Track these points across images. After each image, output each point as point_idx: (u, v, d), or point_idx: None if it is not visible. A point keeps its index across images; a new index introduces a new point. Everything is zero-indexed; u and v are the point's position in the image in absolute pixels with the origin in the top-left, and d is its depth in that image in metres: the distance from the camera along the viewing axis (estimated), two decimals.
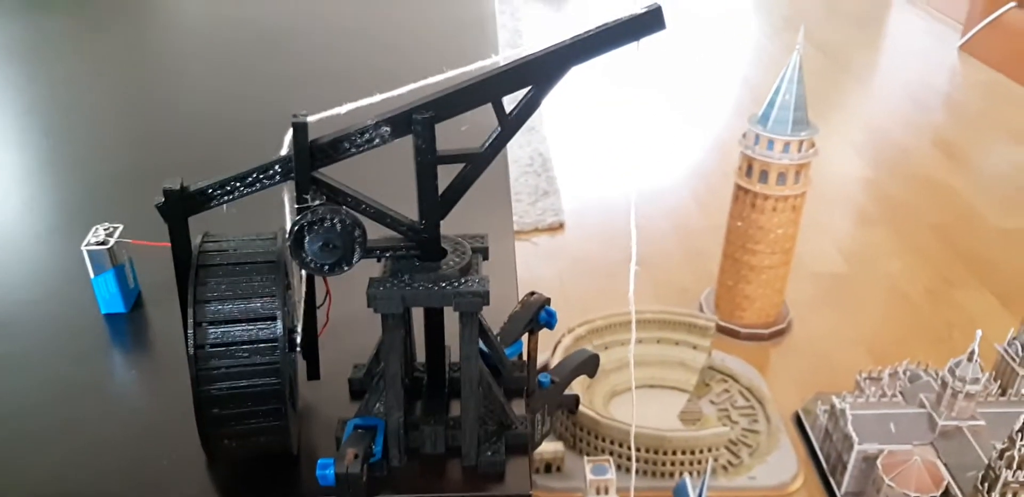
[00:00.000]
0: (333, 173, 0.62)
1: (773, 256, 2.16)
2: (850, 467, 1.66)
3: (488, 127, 0.62)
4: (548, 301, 0.84)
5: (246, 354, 0.57)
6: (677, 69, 4.22)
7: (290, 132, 0.59)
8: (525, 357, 0.84)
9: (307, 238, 0.58)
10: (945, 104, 4.28)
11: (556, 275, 2.69)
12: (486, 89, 0.60)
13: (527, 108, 0.62)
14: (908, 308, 2.49)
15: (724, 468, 1.79)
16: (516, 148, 3.34)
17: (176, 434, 0.71)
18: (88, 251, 0.84)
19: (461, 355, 0.66)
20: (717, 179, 3.18)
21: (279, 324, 0.58)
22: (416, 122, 0.60)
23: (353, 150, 0.61)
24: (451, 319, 0.70)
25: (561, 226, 2.93)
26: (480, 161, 0.63)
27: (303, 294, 0.66)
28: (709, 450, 1.72)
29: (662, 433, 1.71)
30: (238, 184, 0.60)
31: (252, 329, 0.58)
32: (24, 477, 0.68)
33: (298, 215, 0.59)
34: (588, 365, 0.95)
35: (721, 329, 2.21)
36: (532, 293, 0.84)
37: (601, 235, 2.86)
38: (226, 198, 0.60)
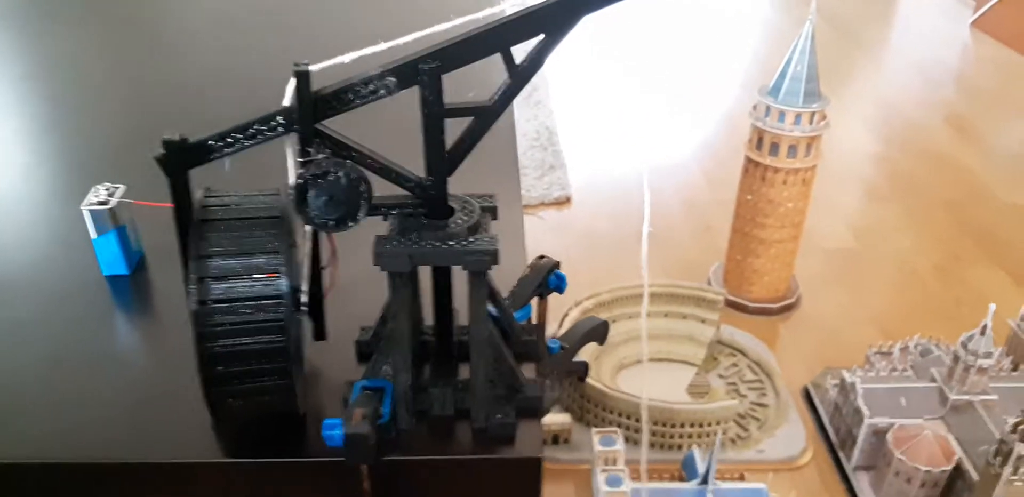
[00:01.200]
0: (336, 127, 0.60)
1: (783, 230, 2.14)
2: (860, 441, 1.65)
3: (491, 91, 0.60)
4: (558, 265, 0.82)
5: (250, 310, 0.56)
6: (684, 42, 4.17)
7: (292, 81, 0.57)
8: (535, 321, 0.82)
9: (311, 192, 0.57)
10: (956, 80, 4.22)
11: (563, 249, 2.67)
12: (495, 38, 0.58)
13: (537, 58, 0.59)
14: (918, 284, 2.46)
15: (732, 441, 1.78)
16: (523, 122, 3.30)
17: (181, 396, 0.70)
18: (89, 211, 0.83)
19: (470, 316, 0.64)
20: (726, 153, 3.15)
21: (283, 280, 0.57)
22: (422, 72, 0.58)
23: (358, 101, 0.59)
24: (459, 282, 0.68)
25: (568, 200, 2.91)
26: (489, 114, 0.61)
27: (308, 254, 0.64)
28: (717, 423, 1.71)
29: (670, 406, 1.71)
30: (239, 136, 0.58)
31: (256, 285, 0.56)
32: (28, 442, 0.66)
33: (301, 168, 0.57)
34: (597, 332, 0.94)
35: (729, 303, 2.19)
36: (542, 257, 0.83)
37: (608, 210, 2.84)
38: (227, 150, 0.58)
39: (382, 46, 0.57)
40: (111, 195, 0.84)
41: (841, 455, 1.75)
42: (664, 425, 1.71)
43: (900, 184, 3.05)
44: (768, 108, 1.99)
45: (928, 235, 2.71)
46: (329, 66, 0.58)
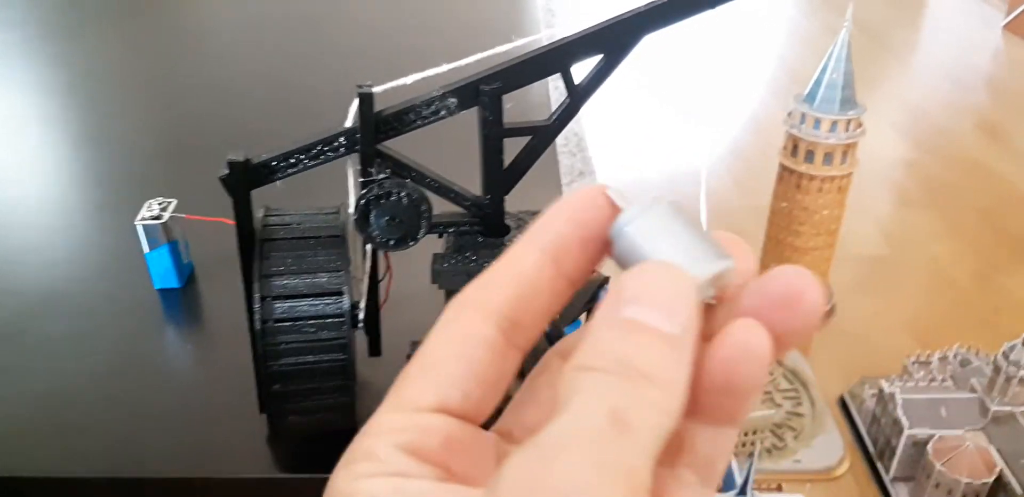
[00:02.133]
0: (393, 146, 0.61)
1: (818, 237, 2.12)
2: (899, 452, 1.63)
3: (531, 105, 0.60)
4: (607, 280, 0.82)
5: (313, 329, 0.56)
6: (712, 48, 4.16)
7: (355, 103, 0.57)
8: None
9: (373, 212, 0.57)
10: (988, 85, 4.18)
11: None
12: (556, 58, 0.58)
13: (598, 78, 0.60)
14: (953, 292, 2.44)
15: (768, 451, 1.77)
16: None
17: (235, 410, 0.70)
18: (142, 226, 0.84)
19: None
20: (756, 159, 3.13)
21: (346, 299, 0.57)
22: (483, 93, 0.58)
23: (419, 122, 0.59)
24: None
25: None
26: (547, 133, 0.61)
27: (364, 269, 0.65)
28: (754, 433, 1.70)
29: None
30: (302, 156, 0.58)
31: (319, 304, 0.57)
32: (80, 454, 0.67)
33: (363, 189, 0.58)
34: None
35: None
36: (593, 270, 0.83)
37: None
38: (290, 171, 0.59)
39: (444, 67, 0.58)
40: (163, 209, 0.85)
41: (879, 466, 1.74)
42: None
43: (932, 190, 3.02)
44: (803, 115, 1.99)
45: (963, 242, 2.68)
46: (387, 86, 0.58)
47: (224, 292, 0.87)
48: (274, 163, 0.59)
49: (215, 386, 0.75)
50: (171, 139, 1.20)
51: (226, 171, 0.58)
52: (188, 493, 0.65)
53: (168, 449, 0.68)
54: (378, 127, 0.58)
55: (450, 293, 0.62)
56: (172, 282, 0.87)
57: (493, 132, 0.60)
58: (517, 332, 0.26)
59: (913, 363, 1.86)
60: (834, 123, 1.94)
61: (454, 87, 0.58)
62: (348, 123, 0.58)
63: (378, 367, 0.74)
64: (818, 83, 1.98)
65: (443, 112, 0.59)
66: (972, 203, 2.97)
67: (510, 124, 0.60)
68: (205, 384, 0.75)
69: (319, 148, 0.58)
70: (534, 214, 0.69)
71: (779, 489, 1.58)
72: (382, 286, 0.69)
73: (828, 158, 1.98)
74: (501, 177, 0.62)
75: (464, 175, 0.65)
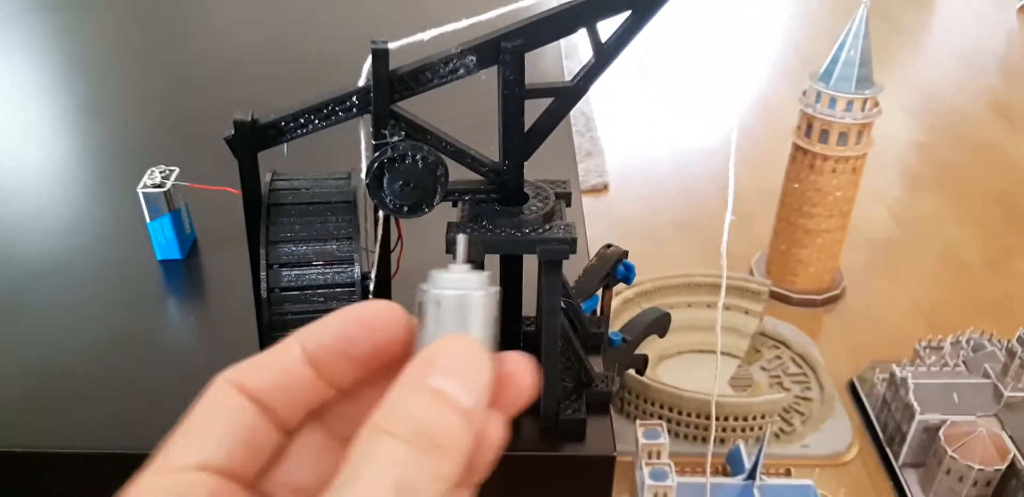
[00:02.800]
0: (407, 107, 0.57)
1: (830, 220, 2.09)
2: (910, 437, 1.61)
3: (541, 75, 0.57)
4: (626, 254, 0.79)
5: (321, 299, 0.54)
6: (719, 27, 4.10)
7: (368, 60, 0.54)
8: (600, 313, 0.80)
9: (386, 176, 0.54)
10: (1002, 68, 4.12)
11: (600, 237, 2.64)
12: (582, 13, 0.55)
13: (625, 36, 0.56)
14: (966, 277, 2.41)
15: (776, 436, 1.74)
16: None
17: None
18: (144, 194, 0.81)
19: (543, 308, 0.61)
20: (764, 140, 3.09)
21: (357, 268, 0.54)
22: (505, 51, 0.55)
23: (436, 81, 0.56)
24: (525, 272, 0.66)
25: (605, 188, 2.87)
26: (570, 96, 0.58)
27: (375, 238, 0.61)
28: (763, 417, 1.68)
29: (717, 398, 1.67)
30: (312, 116, 0.55)
31: (328, 272, 0.54)
32: (76, 429, 0.65)
33: (376, 151, 0.55)
34: (659, 324, 0.91)
35: (772, 294, 2.15)
36: (609, 245, 0.80)
37: (646, 197, 2.80)
38: (299, 131, 0.56)
39: (463, 23, 0.54)
40: (166, 178, 0.82)
41: (889, 451, 1.71)
42: (707, 418, 1.68)
43: (945, 174, 2.98)
44: (819, 94, 1.94)
45: (976, 226, 2.64)
46: (403, 43, 0.55)
47: (229, 264, 0.84)
48: (282, 123, 0.55)
49: (218, 362, 0.72)
50: (174, 108, 1.17)
51: (231, 132, 0.55)
52: None
53: (167, 426, 0.65)
54: (393, 86, 0.55)
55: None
56: (174, 253, 0.84)
57: (514, 93, 0.56)
58: (274, 417, 0.26)
59: (925, 348, 1.83)
60: (850, 102, 1.90)
61: (473, 44, 0.55)
62: (361, 82, 0.55)
63: None
64: (835, 60, 1.94)
65: (461, 71, 0.56)
66: (985, 187, 2.94)
67: (532, 85, 0.57)
68: (207, 360, 0.73)
69: (330, 108, 0.55)
70: (553, 183, 0.66)
71: (788, 474, 1.56)
72: (393, 257, 0.66)
73: (843, 138, 1.94)
74: (521, 141, 0.59)
75: (477, 141, 0.62)
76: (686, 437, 1.72)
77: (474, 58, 0.55)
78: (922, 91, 3.76)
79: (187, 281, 0.84)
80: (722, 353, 1.97)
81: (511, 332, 0.69)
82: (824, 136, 1.98)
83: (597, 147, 3.10)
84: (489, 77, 0.57)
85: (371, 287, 0.62)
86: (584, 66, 0.57)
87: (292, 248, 0.54)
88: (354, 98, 0.55)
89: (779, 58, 3.97)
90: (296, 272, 0.53)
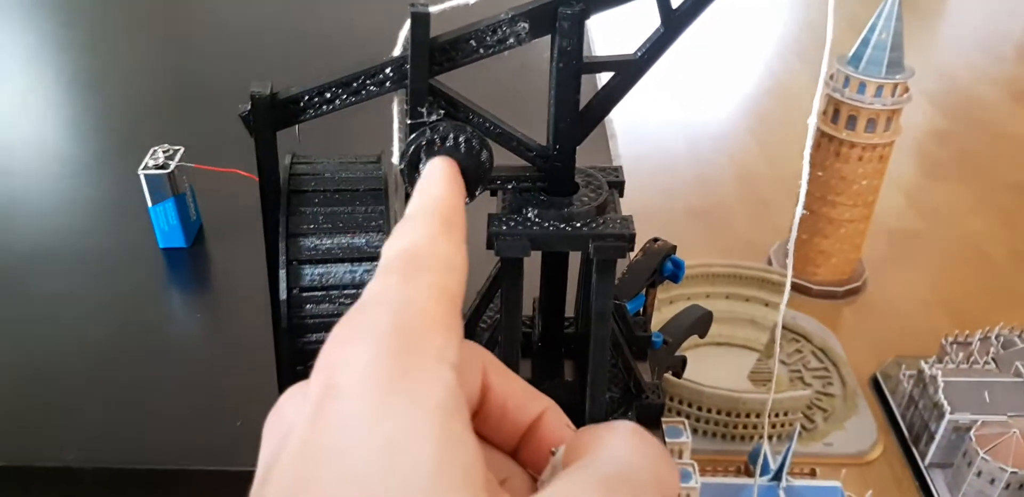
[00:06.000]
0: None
1: (854, 209, 2.02)
2: (938, 437, 1.55)
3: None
4: (674, 249, 0.72)
5: (348, 300, 0.47)
6: (735, 9, 4.01)
7: (406, 26, 0.47)
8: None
9: (424, 161, 0.47)
10: (1020, 54, 4.03)
11: None
12: None
13: (700, 2, 0.49)
14: (989, 269, 2.34)
15: (799, 433, 1.68)
16: None
17: (247, 391, 0.61)
18: (146, 175, 0.74)
19: (592, 312, 0.54)
20: (780, 125, 3.02)
21: None
22: (563, 17, 0.48)
23: (481, 51, 0.48)
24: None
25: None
26: (633, 70, 0.51)
27: None
28: (785, 414, 1.62)
29: (737, 395, 1.61)
30: (339, 91, 0.48)
31: (356, 270, 0.47)
32: (70, 440, 0.58)
33: (412, 132, 0.47)
34: (702, 323, 0.84)
35: (792, 285, 2.08)
36: (656, 239, 0.73)
37: (659, 184, 2.73)
38: (324, 108, 0.49)
39: None
40: (170, 158, 0.75)
41: (915, 450, 1.65)
42: (729, 414, 1.62)
43: (965, 163, 2.90)
44: (847, 78, 1.87)
45: (999, 217, 2.57)
46: (445, 6, 0.48)
47: (237, 254, 0.77)
48: (307, 98, 0.48)
49: (226, 362, 0.65)
50: (180, 81, 1.09)
51: (247, 107, 0.48)
52: (193, 488, 0.56)
53: (170, 436, 0.59)
54: (432, 57, 0.48)
55: (508, 262, 0.52)
56: (178, 241, 0.77)
57: (571, 66, 0.49)
58: None
59: (951, 343, 1.77)
60: (880, 87, 1.83)
61: (526, 9, 0.48)
62: (397, 51, 0.48)
63: None
64: (865, 43, 1.86)
65: (511, 40, 0.48)
66: (1007, 176, 2.86)
67: (591, 58, 0.50)
68: (215, 360, 0.66)
69: (360, 81, 0.48)
70: (603, 170, 0.59)
71: (812, 474, 1.50)
72: None
73: (871, 124, 1.87)
74: (575, 123, 0.52)
75: (520, 122, 0.55)
76: (705, 433, 1.66)
77: (526, 25, 0.48)
78: (940, 77, 3.68)
79: (192, 272, 0.77)
80: (741, 346, 1.91)
81: (553, 336, 0.63)
82: (851, 122, 1.90)
83: (609, 130, 3.03)
84: (526, 48, 0.50)
85: None
86: (651, 36, 0.50)
87: (315, 242, 0.47)
88: (388, 70, 0.48)
89: (794, 39, 3.88)
90: (320, 270, 0.46)
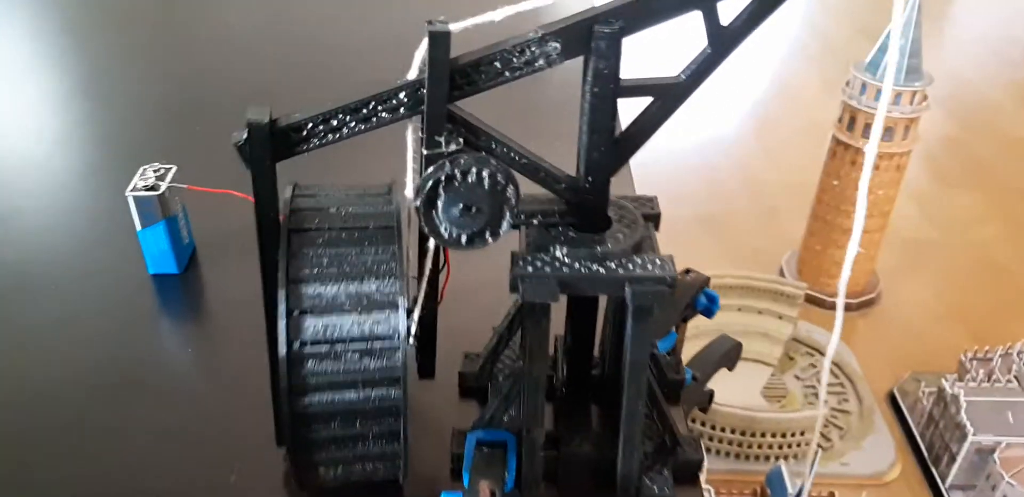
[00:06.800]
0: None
1: (870, 219, 1.97)
2: (960, 459, 1.49)
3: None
4: (707, 282, 0.67)
5: (356, 355, 0.41)
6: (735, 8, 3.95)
7: (423, 46, 0.41)
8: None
9: (443, 198, 0.41)
10: None
11: None
12: None
13: (752, 19, 0.44)
14: (1006, 280, 2.29)
15: (814, 452, 1.63)
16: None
17: (243, 435, 0.56)
18: (135, 197, 0.68)
19: (627, 361, 0.49)
20: (787, 130, 2.97)
21: (401, 314, 0.42)
22: (599, 36, 0.42)
23: (507, 74, 0.43)
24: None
25: None
26: (677, 94, 0.45)
27: (421, 268, 0.49)
28: (801, 433, 1.56)
29: (752, 414, 1.56)
30: (347, 118, 0.43)
31: (366, 321, 0.41)
32: (49, 490, 0.53)
33: (429, 165, 0.42)
34: (731, 356, 0.79)
35: (806, 297, 2.03)
36: (688, 271, 0.67)
37: (668, 192, 2.66)
38: (331, 136, 0.43)
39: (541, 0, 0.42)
40: (160, 178, 0.69)
41: (934, 471, 1.60)
42: (744, 434, 1.57)
43: (978, 170, 2.85)
44: (864, 85, 1.81)
45: (1012, 226, 2.52)
46: (467, 24, 0.42)
47: (233, 280, 0.71)
48: (310, 126, 0.43)
49: (220, 405, 0.60)
50: (174, 92, 1.04)
51: (243, 135, 0.42)
52: None
53: (156, 484, 0.53)
54: (452, 80, 0.42)
55: (534, 307, 0.46)
56: (169, 267, 0.71)
57: (607, 90, 0.44)
58: None
59: (971, 359, 1.72)
60: (898, 94, 1.77)
61: (558, 27, 0.42)
62: (412, 73, 0.43)
63: (427, 391, 0.59)
64: (882, 49, 1.81)
65: (540, 61, 0.43)
66: (1019, 183, 2.81)
67: (628, 81, 0.44)
68: (207, 402, 0.60)
69: (371, 107, 0.43)
70: (636, 201, 0.53)
71: None
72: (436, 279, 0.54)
73: (889, 133, 1.81)
74: (611, 152, 0.46)
75: (532, 138, 0.49)
76: (719, 453, 1.61)
77: (558, 45, 0.43)
78: (948, 80, 3.62)
79: (184, 301, 0.72)
80: (754, 361, 1.85)
81: (579, 380, 0.57)
82: (868, 130, 1.85)
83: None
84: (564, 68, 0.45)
85: (413, 328, 0.50)
86: (697, 57, 0.45)
87: (319, 289, 0.42)
88: (402, 95, 0.43)
89: (801, 44, 3.83)
90: (324, 321, 0.41)
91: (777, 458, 1.55)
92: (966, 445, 1.50)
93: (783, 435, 1.58)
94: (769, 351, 1.87)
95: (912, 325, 2.09)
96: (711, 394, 0.79)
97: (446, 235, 0.43)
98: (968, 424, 1.51)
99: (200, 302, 0.72)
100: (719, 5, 0.43)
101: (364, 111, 0.43)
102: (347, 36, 1.13)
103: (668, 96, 0.46)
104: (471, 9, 0.43)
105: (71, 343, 0.66)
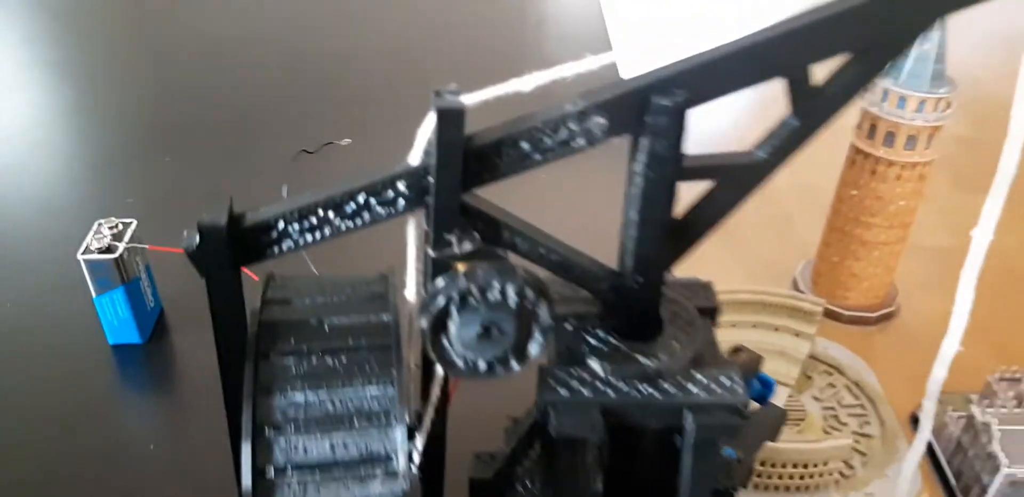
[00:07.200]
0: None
1: (890, 231, 1.87)
2: (992, 491, 1.40)
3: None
4: (760, 362, 0.58)
5: (343, 487, 0.32)
6: (748, 10, 3.84)
7: (429, 122, 0.32)
8: None
9: (456, 320, 0.32)
10: None
11: None
12: (787, 50, 0.33)
13: (858, 80, 0.34)
14: None
15: (836, 481, 1.54)
16: None
17: None
18: (87, 262, 0.58)
19: None
20: None
21: (400, 430, 0.33)
22: (658, 110, 0.32)
23: (537, 156, 0.34)
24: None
25: None
26: (752, 176, 0.36)
27: (425, 395, 0.39)
28: (825, 464, 1.47)
29: (772, 444, 1.46)
30: (331, 214, 0.33)
31: (353, 442, 0.32)
32: None
33: (437, 272, 0.32)
34: (775, 428, 0.70)
35: (822, 311, 1.94)
36: (739, 349, 0.58)
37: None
38: (308, 237, 0.34)
39: (591, 62, 0.32)
40: (118, 237, 0.59)
41: None
42: (764, 465, 1.48)
43: (994, 172, 2.76)
44: (886, 92, 1.71)
45: None
46: (487, 96, 0.32)
47: (206, 347, 0.62)
48: (281, 226, 0.33)
49: (191, 486, 0.50)
50: (138, 126, 0.93)
51: (193, 240, 0.32)
52: None
53: None
54: (467, 166, 0.33)
55: (567, 441, 0.37)
56: (131, 336, 0.62)
57: (665, 174, 0.34)
58: None
59: (999, 380, 1.63)
60: (922, 101, 1.68)
61: (603, 98, 0.32)
62: (415, 158, 0.33)
63: None
64: (906, 54, 1.70)
65: (580, 140, 0.33)
66: None
67: (691, 159, 0.35)
68: (177, 482, 0.51)
69: (363, 200, 0.33)
70: (688, 288, 0.44)
71: None
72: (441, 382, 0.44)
73: (911, 142, 1.72)
74: (664, 246, 0.36)
75: (574, 237, 0.40)
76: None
77: (604, 121, 0.33)
78: (958, 78, 3.52)
79: (150, 373, 0.63)
80: None
81: None
82: (889, 139, 1.75)
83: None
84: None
85: (415, 454, 0.40)
86: (777, 130, 0.35)
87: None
88: (400, 185, 0.33)
89: None
90: (303, 441, 0.32)
91: (799, 489, 1.47)
92: (999, 477, 1.42)
93: (805, 466, 1.49)
94: (786, 371, 1.78)
95: (933, 340, 1.99)
96: (751, 470, 0.70)
97: (460, 364, 0.33)
98: (1002, 455, 1.42)
99: (168, 373, 0.63)
100: (812, 68, 0.34)
101: (352, 206, 0.33)
102: (343, 46, 1.04)
103: (741, 179, 0.36)
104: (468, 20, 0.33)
105: (24, 421, 0.57)
